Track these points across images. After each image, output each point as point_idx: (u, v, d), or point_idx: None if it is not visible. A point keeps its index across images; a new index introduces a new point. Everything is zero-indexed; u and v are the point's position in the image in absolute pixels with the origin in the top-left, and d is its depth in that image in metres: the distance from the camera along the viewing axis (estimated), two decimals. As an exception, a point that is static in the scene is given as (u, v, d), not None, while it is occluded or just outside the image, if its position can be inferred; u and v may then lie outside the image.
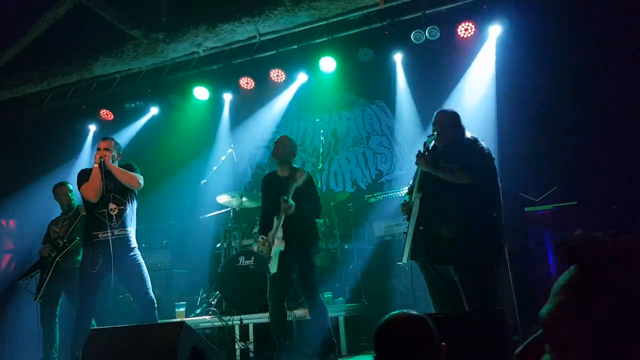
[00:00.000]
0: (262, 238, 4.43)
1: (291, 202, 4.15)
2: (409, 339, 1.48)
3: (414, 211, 3.60)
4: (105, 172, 4.38)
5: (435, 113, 3.84)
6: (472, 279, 3.40)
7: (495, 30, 6.11)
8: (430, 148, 3.72)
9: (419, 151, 3.68)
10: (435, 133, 3.70)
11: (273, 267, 4.31)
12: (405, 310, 1.58)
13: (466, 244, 3.41)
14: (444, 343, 1.51)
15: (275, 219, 4.30)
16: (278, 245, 4.25)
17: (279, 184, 4.38)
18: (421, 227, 3.56)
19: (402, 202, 3.84)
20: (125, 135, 7.47)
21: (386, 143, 7.16)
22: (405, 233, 3.67)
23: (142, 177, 4.53)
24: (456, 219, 3.46)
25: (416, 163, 3.68)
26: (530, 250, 4.73)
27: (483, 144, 3.66)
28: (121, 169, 4.44)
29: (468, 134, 3.73)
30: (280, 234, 4.24)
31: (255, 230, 6.03)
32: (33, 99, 7.71)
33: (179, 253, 6.72)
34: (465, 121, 3.79)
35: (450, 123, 3.74)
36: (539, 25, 5.86)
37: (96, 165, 4.33)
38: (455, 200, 3.49)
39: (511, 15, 5.93)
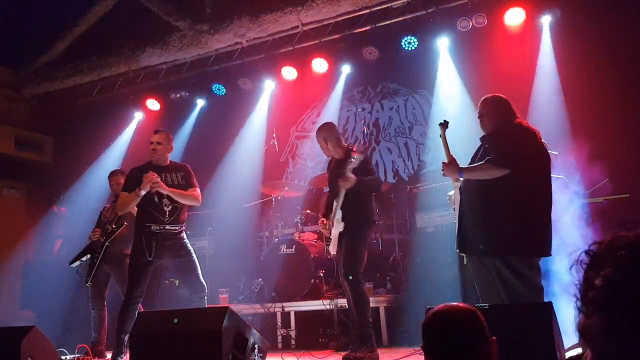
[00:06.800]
0: (322, 221, 4.45)
1: (349, 174, 4.09)
2: (459, 331, 1.45)
3: (456, 200, 3.53)
4: (164, 167, 4.45)
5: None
6: (514, 273, 3.24)
7: (546, 19, 5.95)
8: (443, 136, 3.54)
9: (443, 162, 3.52)
10: (441, 128, 3.53)
11: (332, 249, 4.36)
12: (454, 303, 1.55)
13: (505, 236, 3.26)
14: (494, 337, 1.48)
15: (334, 202, 4.28)
16: (337, 227, 4.24)
17: (337, 167, 4.34)
18: (461, 218, 3.47)
19: (450, 192, 3.77)
20: (171, 125, 7.60)
21: (429, 133, 7.04)
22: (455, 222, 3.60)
23: (198, 190, 4.49)
24: (494, 209, 3.32)
25: (443, 174, 3.57)
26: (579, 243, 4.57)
27: (528, 128, 3.41)
28: (180, 192, 4.35)
29: (516, 120, 3.48)
30: (339, 215, 4.22)
31: (297, 219, 6.07)
32: (83, 90, 7.96)
33: (222, 240, 6.82)
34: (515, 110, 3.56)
35: (491, 109, 3.53)
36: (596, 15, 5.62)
37: (139, 193, 4.21)
38: (493, 190, 3.31)
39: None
